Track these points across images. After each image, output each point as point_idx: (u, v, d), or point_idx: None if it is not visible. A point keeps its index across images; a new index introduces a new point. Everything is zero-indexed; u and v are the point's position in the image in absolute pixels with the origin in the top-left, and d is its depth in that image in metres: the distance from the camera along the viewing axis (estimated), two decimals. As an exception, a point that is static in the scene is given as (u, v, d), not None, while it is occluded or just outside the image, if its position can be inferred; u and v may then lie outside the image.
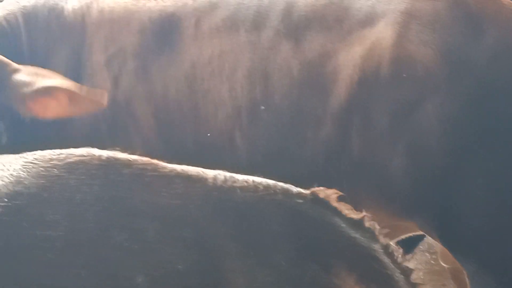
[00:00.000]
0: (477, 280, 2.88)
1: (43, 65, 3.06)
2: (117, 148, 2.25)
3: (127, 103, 3.05)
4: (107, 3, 3.19)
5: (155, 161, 2.23)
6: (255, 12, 3.03)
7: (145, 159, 2.23)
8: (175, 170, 2.22)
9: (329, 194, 2.21)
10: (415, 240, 4.46)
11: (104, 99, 2.84)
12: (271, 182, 2.22)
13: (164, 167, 2.22)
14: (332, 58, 2.92)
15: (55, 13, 3.20)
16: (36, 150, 2.28)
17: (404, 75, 2.81)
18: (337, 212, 2.21)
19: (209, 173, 2.23)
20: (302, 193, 2.22)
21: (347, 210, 2.22)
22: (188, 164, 2.93)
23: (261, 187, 2.20)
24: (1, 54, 2.98)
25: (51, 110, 2.81)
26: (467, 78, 2.77)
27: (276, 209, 2.17)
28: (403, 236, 3.16)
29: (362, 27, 2.91)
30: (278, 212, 2.16)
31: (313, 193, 2.22)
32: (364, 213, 2.21)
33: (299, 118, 2.93)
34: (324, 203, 2.21)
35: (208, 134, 3.00)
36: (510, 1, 2.92)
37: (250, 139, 2.98)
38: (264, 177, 2.88)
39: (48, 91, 2.79)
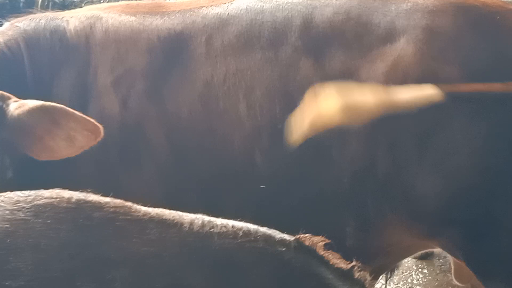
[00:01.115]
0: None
1: (48, 90, 2.98)
2: (89, 190, 2.09)
3: (138, 125, 2.92)
4: (112, 22, 3.07)
5: (128, 203, 2.08)
6: (271, 28, 2.93)
7: (118, 201, 2.08)
8: (149, 214, 2.07)
9: (316, 241, 2.04)
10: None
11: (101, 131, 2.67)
12: (252, 227, 2.06)
13: (138, 211, 2.07)
14: (354, 75, 2.82)
15: (58, 36, 3.09)
16: (43, 181, 2.17)
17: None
18: (323, 262, 2.04)
19: (186, 217, 2.08)
20: (286, 240, 2.05)
21: (335, 259, 2.05)
22: (207, 189, 2.88)
23: (240, 233, 2.04)
24: (4, 82, 2.89)
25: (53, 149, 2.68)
26: (492, 95, 2.66)
27: (256, 258, 2.01)
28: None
29: (382, 43, 2.82)
30: (258, 261, 2.00)
31: (297, 240, 2.05)
32: (353, 263, 2.02)
33: (323, 137, 2.77)
34: (309, 251, 2.05)
35: (226, 156, 2.87)
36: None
37: (272, 160, 2.86)
38: (287, 198, 2.83)
39: (44, 111, 2.65)
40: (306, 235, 2.07)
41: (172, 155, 2.91)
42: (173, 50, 2.97)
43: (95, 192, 2.11)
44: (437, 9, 2.79)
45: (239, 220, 2.70)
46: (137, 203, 2.11)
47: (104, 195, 2.10)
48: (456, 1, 2.81)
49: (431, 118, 2.70)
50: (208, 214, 2.63)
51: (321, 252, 2.04)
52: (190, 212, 2.79)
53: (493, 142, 2.67)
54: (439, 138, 2.70)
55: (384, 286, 4.12)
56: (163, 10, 3.08)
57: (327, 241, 2.05)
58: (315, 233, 2.76)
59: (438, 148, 2.70)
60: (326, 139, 2.79)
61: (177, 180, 2.91)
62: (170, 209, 2.17)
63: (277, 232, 2.08)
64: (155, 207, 2.05)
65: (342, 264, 2.04)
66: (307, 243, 2.05)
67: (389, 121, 2.71)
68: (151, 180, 2.91)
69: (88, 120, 2.66)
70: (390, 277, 3.30)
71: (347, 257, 2.05)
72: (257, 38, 2.92)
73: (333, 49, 2.85)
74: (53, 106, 2.68)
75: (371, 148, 2.76)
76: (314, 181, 2.83)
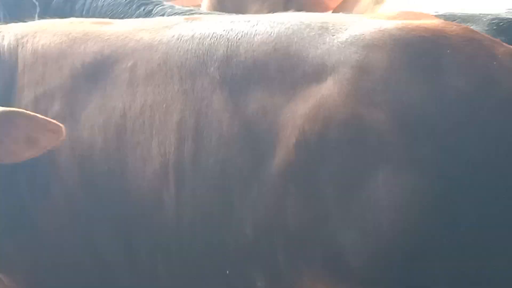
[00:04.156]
0: None
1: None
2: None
3: (49, 149, 2.74)
4: (42, 43, 2.94)
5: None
6: (193, 57, 2.70)
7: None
8: None
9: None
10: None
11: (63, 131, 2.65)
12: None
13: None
14: (269, 115, 2.56)
15: None
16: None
17: (353, 141, 2.46)
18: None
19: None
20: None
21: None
22: (117, 224, 2.70)
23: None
24: None
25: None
26: (425, 144, 2.40)
27: None
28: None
29: (307, 81, 2.55)
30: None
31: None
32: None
33: (227, 181, 2.58)
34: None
35: (136, 193, 2.69)
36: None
37: (177, 201, 2.65)
38: (194, 244, 2.63)
39: (2, 115, 2.66)
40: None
41: (81, 184, 2.77)
42: (96, 75, 2.81)
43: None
44: (373, 43, 2.51)
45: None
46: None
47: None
48: (398, 33, 2.52)
49: (352, 167, 2.45)
50: (123, 250, 2.59)
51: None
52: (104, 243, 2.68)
53: (424, 198, 2.41)
54: (361, 190, 2.44)
55: None
56: (102, 31, 2.93)
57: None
58: (224, 286, 2.61)
59: (360, 201, 2.44)
60: (228, 184, 2.58)
61: (86, 211, 2.77)
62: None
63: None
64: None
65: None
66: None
67: (303, 169, 2.49)
68: (59, 207, 2.77)
69: (49, 121, 2.66)
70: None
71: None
72: (178, 68, 2.71)
73: (252, 83, 2.60)
74: (11, 110, 2.70)
75: (281, 197, 2.52)
76: (217, 230, 2.61)
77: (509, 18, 3.53)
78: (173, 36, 2.78)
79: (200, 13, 4.17)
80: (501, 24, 3.48)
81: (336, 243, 2.47)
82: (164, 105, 2.67)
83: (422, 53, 2.47)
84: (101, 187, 2.73)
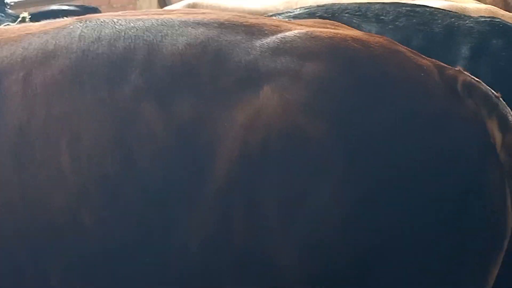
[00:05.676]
0: None
1: None
2: None
3: None
4: None
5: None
6: (106, 62, 2.45)
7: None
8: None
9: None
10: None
11: None
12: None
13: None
14: (207, 125, 2.39)
15: None
16: None
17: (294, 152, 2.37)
18: None
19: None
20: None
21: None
22: (32, 248, 2.44)
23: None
24: None
25: None
26: (366, 154, 2.36)
27: None
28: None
29: (242, 89, 2.41)
30: None
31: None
32: None
33: (166, 197, 2.39)
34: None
35: (44, 216, 2.42)
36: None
37: (103, 222, 2.41)
38: (123, 266, 2.42)
39: None
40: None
41: None
42: None
43: None
44: (308, 51, 2.44)
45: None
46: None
47: None
48: (330, 42, 2.47)
49: (296, 179, 2.36)
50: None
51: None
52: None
53: (368, 211, 2.37)
54: (305, 204, 2.36)
55: None
56: None
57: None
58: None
59: (303, 216, 2.35)
60: (167, 201, 2.40)
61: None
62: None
63: None
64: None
65: None
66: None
67: (246, 182, 2.36)
68: None
69: None
70: None
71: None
72: (88, 75, 2.45)
73: (184, 91, 2.42)
74: None
75: (224, 213, 2.38)
76: (155, 252, 2.41)
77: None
78: (72, 37, 2.52)
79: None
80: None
81: (279, 261, 2.37)
82: (76, 116, 2.43)
83: (355, 64, 2.43)
84: (1, 217, 2.45)
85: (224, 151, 2.37)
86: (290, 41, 2.45)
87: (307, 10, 3.55)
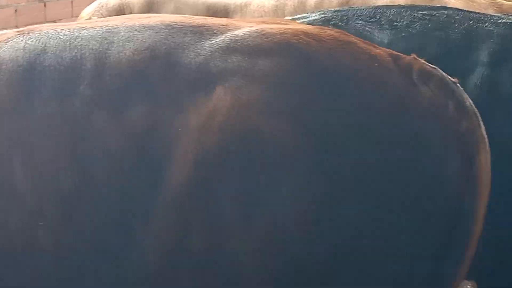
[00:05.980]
0: None
1: None
2: None
3: None
4: None
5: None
6: (54, 74, 2.42)
7: None
8: None
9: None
10: None
11: None
12: None
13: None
14: (161, 131, 2.36)
15: None
16: None
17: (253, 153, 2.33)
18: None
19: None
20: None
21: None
22: None
23: None
24: None
25: None
26: (328, 152, 2.32)
27: None
28: None
29: (194, 91, 2.37)
30: None
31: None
32: None
33: (122, 210, 2.36)
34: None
35: (1, 238, 2.39)
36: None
37: (60, 239, 2.38)
38: (82, 280, 2.39)
39: None
40: None
41: None
42: None
43: None
44: (259, 49, 2.40)
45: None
46: None
47: None
48: (282, 38, 2.43)
49: (255, 180, 2.32)
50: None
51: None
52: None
53: (329, 210, 2.33)
54: (265, 205, 2.32)
55: None
56: None
57: None
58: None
59: (264, 217, 2.32)
60: (125, 211, 2.37)
61: None
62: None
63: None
64: None
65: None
66: None
67: (204, 185, 2.33)
68: None
69: None
70: None
71: None
72: (36, 88, 2.41)
73: (135, 98, 2.39)
74: None
75: (183, 218, 2.35)
76: (116, 263, 2.38)
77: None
78: (16, 50, 2.47)
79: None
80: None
81: (240, 263, 2.34)
82: (26, 133, 2.39)
83: (309, 59, 2.39)
84: None
85: (179, 156, 2.34)
86: (241, 39, 2.42)
87: (322, 16, 3.45)
